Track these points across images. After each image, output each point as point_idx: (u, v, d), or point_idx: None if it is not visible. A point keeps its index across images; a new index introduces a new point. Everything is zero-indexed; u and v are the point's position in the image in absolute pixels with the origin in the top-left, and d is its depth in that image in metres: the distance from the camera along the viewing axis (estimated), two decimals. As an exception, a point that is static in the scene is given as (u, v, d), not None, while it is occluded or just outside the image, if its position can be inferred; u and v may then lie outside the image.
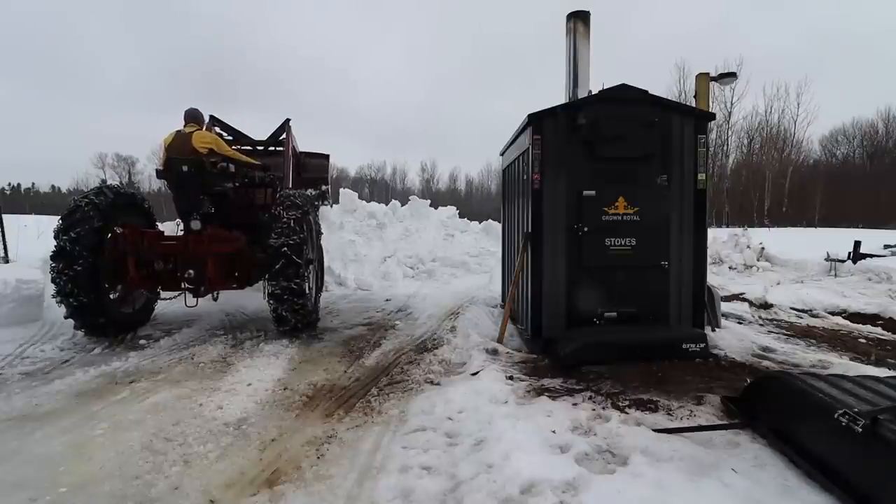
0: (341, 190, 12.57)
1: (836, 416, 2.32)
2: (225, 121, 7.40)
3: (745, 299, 7.48)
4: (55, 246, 4.81)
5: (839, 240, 13.02)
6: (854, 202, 37.42)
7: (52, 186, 71.41)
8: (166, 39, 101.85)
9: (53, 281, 4.85)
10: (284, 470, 2.58)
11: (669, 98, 5.38)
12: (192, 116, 5.68)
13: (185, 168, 5.15)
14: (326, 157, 8.54)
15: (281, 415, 3.27)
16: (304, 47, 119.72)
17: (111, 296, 5.24)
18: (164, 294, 5.79)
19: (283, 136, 7.40)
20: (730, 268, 11.10)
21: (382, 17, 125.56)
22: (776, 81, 46.18)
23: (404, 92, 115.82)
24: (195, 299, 5.44)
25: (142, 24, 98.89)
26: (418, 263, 10.54)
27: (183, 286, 5.24)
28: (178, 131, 5.48)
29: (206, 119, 6.31)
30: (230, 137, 7.09)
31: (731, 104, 37.20)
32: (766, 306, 7.01)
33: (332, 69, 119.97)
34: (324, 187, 8.64)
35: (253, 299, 6.59)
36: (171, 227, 7.80)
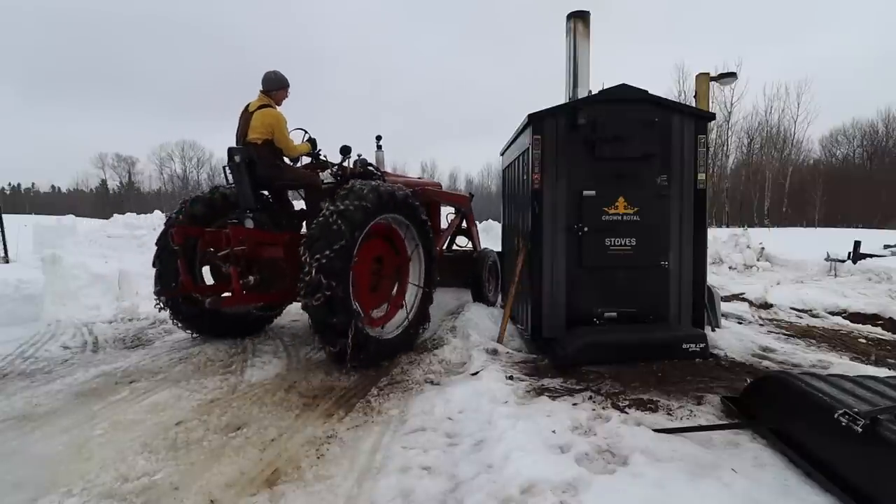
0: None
1: (836, 416, 2.31)
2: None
3: (745, 299, 7.49)
4: None
5: (839, 240, 13.02)
6: (854, 202, 37.44)
7: (52, 186, 71.57)
8: (168, 40, 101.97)
9: None
10: (284, 470, 2.58)
11: (669, 98, 5.37)
12: (267, 83, 4.51)
13: (236, 158, 4.32)
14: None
15: (281, 415, 3.27)
16: (304, 45, 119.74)
17: None
18: None
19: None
20: (730, 268, 11.12)
21: (382, 14, 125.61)
22: (776, 81, 46.30)
23: (404, 91, 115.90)
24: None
25: (146, 26, 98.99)
26: (418, 263, 10.51)
27: None
28: (248, 106, 4.50)
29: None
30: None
31: (731, 104, 37.17)
32: (766, 306, 7.02)
33: (331, 68, 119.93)
34: None
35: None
36: None
